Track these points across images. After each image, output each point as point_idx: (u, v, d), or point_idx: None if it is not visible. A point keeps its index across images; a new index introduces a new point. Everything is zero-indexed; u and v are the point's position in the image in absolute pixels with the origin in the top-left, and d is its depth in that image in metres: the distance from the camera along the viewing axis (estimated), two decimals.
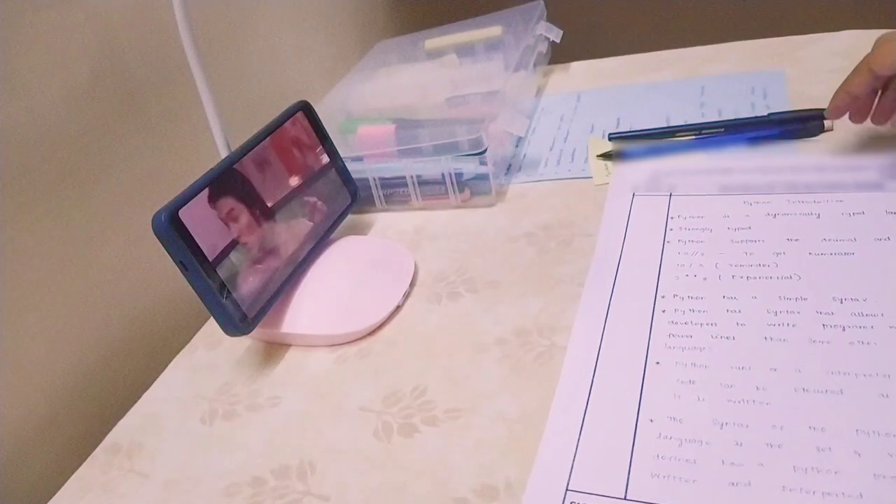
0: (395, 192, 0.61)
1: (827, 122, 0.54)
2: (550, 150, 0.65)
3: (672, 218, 0.51)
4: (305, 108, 0.56)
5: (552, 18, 0.79)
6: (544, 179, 0.61)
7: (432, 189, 0.60)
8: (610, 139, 0.62)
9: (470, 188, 0.60)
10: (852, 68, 0.49)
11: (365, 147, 0.62)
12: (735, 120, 0.59)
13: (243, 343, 0.52)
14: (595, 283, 0.47)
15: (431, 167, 0.59)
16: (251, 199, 0.49)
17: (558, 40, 0.77)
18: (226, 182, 0.47)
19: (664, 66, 0.74)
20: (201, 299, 0.45)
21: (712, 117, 0.63)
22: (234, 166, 0.48)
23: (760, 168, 0.54)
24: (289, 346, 0.50)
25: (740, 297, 0.43)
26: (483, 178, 0.59)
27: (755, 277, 0.44)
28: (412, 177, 0.60)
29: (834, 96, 0.50)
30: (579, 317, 0.45)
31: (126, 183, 0.56)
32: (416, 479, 0.38)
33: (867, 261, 0.43)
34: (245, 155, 0.50)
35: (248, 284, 0.47)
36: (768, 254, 0.45)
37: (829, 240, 0.45)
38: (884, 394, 0.35)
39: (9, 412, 0.48)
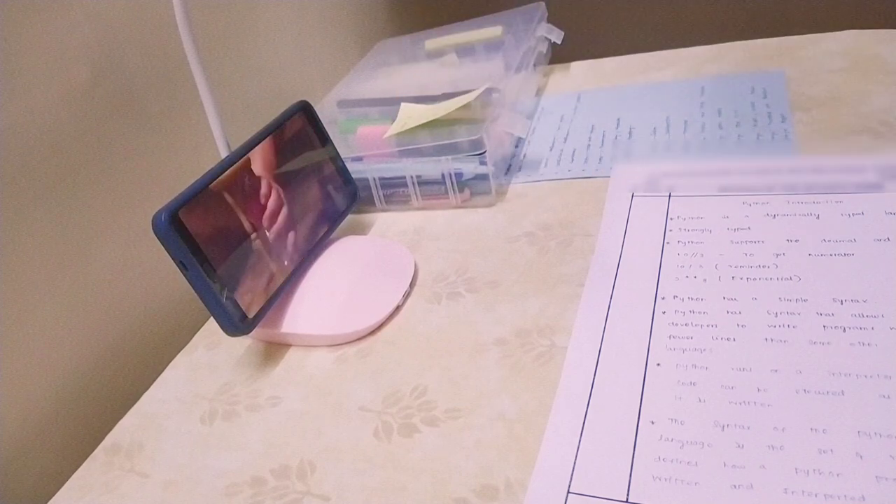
0: (395, 192, 0.61)
1: None
2: (550, 150, 0.65)
3: (671, 219, 0.51)
4: (305, 108, 0.56)
5: (553, 19, 0.79)
6: (544, 179, 0.61)
7: (432, 189, 0.60)
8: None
9: (470, 188, 0.60)
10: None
11: (365, 147, 0.62)
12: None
13: (243, 343, 0.52)
14: (595, 284, 0.47)
15: (431, 167, 0.59)
16: (251, 200, 0.49)
17: (559, 41, 0.77)
18: (226, 182, 0.47)
19: (664, 66, 0.74)
20: (201, 299, 0.45)
21: (712, 117, 0.63)
22: (234, 166, 0.48)
23: (759, 168, 0.54)
24: (289, 346, 0.50)
25: (740, 298, 0.43)
26: (483, 178, 0.59)
27: (755, 279, 0.44)
28: (412, 177, 0.60)
29: None
30: (579, 317, 0.45)
31: (126, 183, 0.56)
32: (416, 479, 0.38)
33: (867, 262, 0.43)
34: (245, 155, 0.50)
35: (248, 284, 0.47)
36: (768, 255, 0.45)
37: (829, 241, 0.45)
38: (885, 395, 0.35)
39: (9, 412, 0.47)
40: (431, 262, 0.54)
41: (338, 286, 0.52)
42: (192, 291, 0.44)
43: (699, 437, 0.35)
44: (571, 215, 0.55)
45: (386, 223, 0.61)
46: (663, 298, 0.44)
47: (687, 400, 0.37)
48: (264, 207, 0.50)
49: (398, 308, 0.51)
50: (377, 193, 0.62)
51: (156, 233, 0.43)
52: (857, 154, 0.52)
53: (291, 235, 0.52)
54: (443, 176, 0.59)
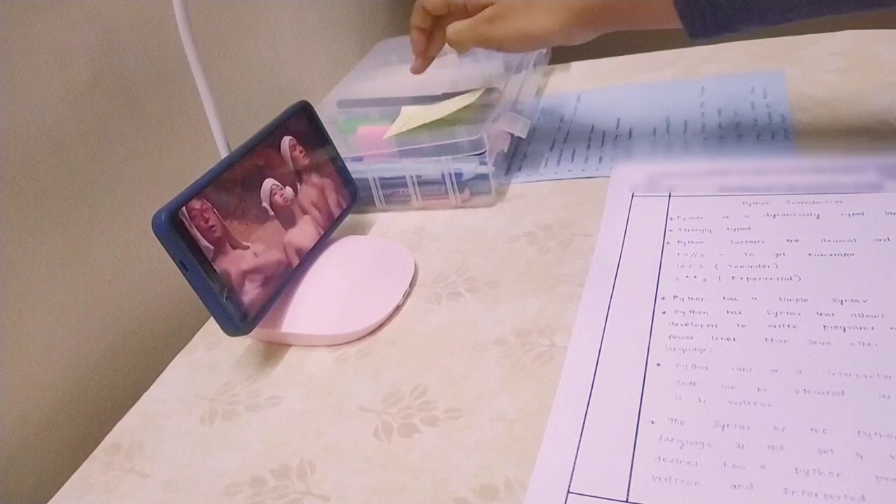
0: (395, 192, 0.61)
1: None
2: (550, 150, 0.65)
3: (671, 219, 0.51)
4: (305, 108, 0.56)
5: None
6: (544, 179, 0.61)
7: (432, 189, 0.60)
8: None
9: (470, 188, 0.60)
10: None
11: (365, 147, 0.62)
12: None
13: (243, 343, 0.52)
14: (595, 284, 0.47)
15: (431, 167, 0.59)
16: (251, 200, 0.49)
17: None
18: (226, 182, 0.47)
19: (664, 66, 0.74)
20: (201, 299, 0.45)
21: (712, 117, 0.63)
22: (235, 166, 0.48)
23: (759, 168, 0.54)
24: (289, 346, 0.50)
25: (740, 298, 0.43)
26: (483, 178, 0.59)
27: (755, 278, 0.44)
28: (412, 177, 0.60)
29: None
30: (579, 317, 0.45)
31: (126, 183, 0.56)
32: (416, 479, 0.38)
33: (867, 261, 0.43)
34: (245, 155, 0.50)
35: (248, 284, 0.47)
36: (768, 255, 0.45)
37: (829, 241, 0.45)
38: (885, 395, 0.35)
39: (9, 412, 0.47)
40: (431, 262, 0.54)
41: (338, 286, 0.52)
42: (192, 291, 0.44)
43: (699, 437, 0.35)
44: (571, 215, 0.55)
45: (386, 223, 0.61)
46: (663, 298, 0.44)
47: (687, 400, 0.37)
48: (264, 207, 0.50)
49: (398, 308, 0.51)
50: (377, 193, 0.62)
51: (156, 233, 0.43)
52: (857, 154, 0.52)
53: (291, 235, 0.52)
54: (443, 176, 0.59)
